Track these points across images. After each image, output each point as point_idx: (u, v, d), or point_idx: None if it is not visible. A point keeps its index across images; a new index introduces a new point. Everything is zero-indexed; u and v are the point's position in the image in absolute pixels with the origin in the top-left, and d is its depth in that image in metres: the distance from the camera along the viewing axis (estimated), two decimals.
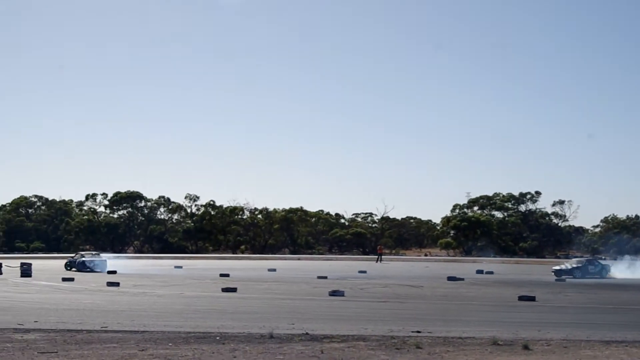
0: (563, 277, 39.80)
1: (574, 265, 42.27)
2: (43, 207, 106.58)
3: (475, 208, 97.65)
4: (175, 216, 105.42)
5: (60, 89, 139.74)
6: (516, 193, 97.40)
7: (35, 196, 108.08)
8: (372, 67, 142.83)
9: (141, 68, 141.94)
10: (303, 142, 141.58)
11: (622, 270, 43.69)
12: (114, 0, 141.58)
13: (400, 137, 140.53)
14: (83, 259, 45.84)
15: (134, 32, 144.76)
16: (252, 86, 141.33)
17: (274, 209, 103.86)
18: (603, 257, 53.42)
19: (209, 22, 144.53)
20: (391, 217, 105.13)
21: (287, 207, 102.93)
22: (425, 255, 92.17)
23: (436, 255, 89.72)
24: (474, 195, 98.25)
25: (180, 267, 51.11)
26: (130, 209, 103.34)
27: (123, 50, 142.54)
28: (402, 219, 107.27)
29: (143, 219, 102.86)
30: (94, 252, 50.94)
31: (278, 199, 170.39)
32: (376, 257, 70.02)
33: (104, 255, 49.41)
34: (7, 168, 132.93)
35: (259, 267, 51.53)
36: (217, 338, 14.03)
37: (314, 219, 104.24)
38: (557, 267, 42.87)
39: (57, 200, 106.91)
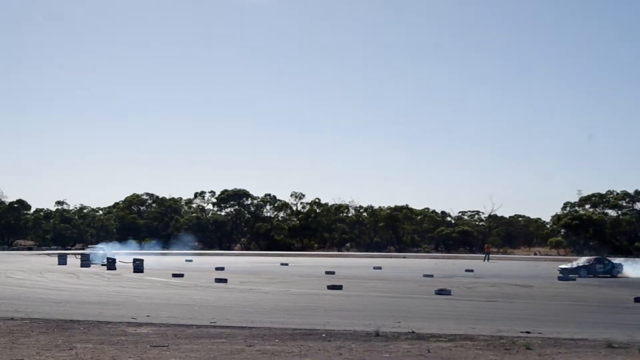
0: (569, 275, 38.12)
1: (581, 264, 40.57)
2: (154, 205, 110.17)
3: (587, 206, 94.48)
4: (281, 214, 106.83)
5: (169, 89, 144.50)
6: (631, 191, 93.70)
7: (147, 194, 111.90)
8: (483, 60, 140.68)
9: (243, 67, 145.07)
10: (409, 140, 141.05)
11: (636, 269, 41.82)
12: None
13: (508, 134, 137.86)
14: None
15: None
16: (353, 88, 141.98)
17: (379, 207, 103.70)
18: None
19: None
20: (499, 215, 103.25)
21: (392, 205, 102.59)
22: (535, 254, 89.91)
23: (545, 255, 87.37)
24: (585, 193, 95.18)
25: (286, 264, 51.75)
26: (237, 207, 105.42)
27: (226, 51, 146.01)
28: (510, 217, 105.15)
29: (249, 216, 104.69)
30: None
31: (383, 197, 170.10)
32: (483, 255, 68.85)
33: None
34: (122, 167, 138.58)
35: (365, 265, 51.54)
36: (323, 335, 14.11)
37: (419, 217, 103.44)
38: (563, 266, 41.07)
39: (167, 198, 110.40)
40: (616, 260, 42.86)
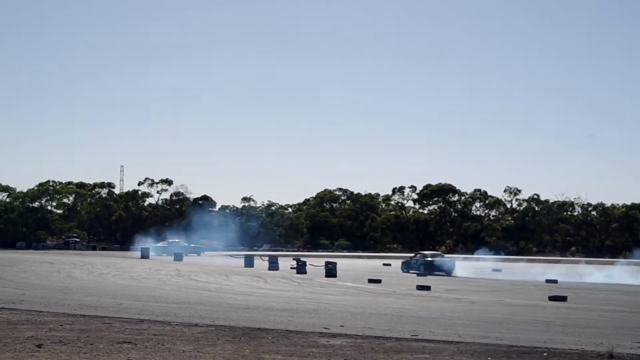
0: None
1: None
2: (348, 202, 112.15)
3: None
4: (493, 212, 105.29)
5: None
6: None
7: (340, 189, 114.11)
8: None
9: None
10: None
11: None
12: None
13: None
14: (428, 259, 46.70)
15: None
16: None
17: (612, 205, 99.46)
18: None
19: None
20: None
21: (628, 203, 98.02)
22: None
23: None
24: None
25: (499, 270, 50.94)
26: (441, 204, 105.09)
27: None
28: None
29: (456, 215, 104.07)
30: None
31: (616, 194, 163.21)
32: None
33: (447, 256, 50.96)
34: (311, 159, 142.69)
35: (591, 272, 49.69)
36: (545, 354, 13.72)
37: None
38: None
39: (363, 194, 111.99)
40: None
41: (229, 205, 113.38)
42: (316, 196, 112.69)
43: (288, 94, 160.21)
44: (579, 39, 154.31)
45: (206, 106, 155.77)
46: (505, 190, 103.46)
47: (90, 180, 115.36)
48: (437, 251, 58.18)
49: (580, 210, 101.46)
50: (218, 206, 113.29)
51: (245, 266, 49.13)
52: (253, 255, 55.13)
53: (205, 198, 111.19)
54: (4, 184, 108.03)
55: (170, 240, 71.67)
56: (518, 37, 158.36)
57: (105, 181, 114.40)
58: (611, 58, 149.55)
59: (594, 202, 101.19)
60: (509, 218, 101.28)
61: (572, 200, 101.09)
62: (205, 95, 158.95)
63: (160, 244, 70.06)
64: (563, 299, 27.18)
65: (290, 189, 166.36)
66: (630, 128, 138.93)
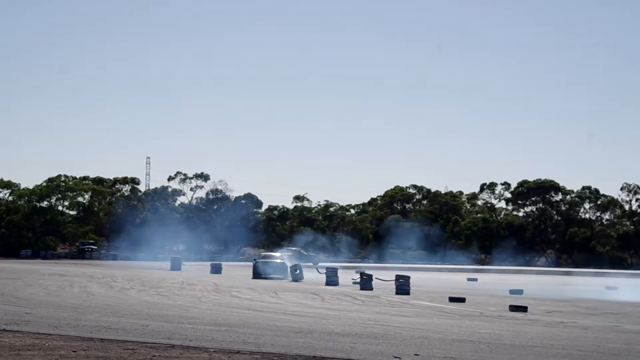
0: None
1: None
2: (424, 202, 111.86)
3: None
4: (607, 215, 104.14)
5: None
6: None
7: (414, 186, 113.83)
8: None
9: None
10: None
11: None
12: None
13: None
14: None
15: None
16: None
17: None
18: None
19: None
20: None
21: None
22: None
23: None
24: None
25: (615, 287, 50.38)
26: (541, 204, 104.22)
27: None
28: None
29: (559, 218, 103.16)
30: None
31: None
32: None
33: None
34: (383, 153, 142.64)
35: None
36: None
37: None
38: None
39: (443, 192, 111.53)
40: None
41: (277, 206, 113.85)
42: (384, 195, 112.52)
43: (347, 81, 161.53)
44: None
45: (248, 93, 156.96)
46: (622, 189, 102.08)
47: (109, 175, 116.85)
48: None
49: None
50: (265, 207, 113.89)
51: (294, 280, 49.38)
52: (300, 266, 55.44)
53: (249, 197, 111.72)
54: (5, 179, 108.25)
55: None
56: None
57: (129, 176, 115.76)
58: None
59: None
60: (628, 223, 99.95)
61: None
62: (247, 82, 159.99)
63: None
64: None
65: (353, 187, 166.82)
66: None
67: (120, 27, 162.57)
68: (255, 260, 56.53)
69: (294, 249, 71.40)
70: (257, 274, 53.10)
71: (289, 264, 54.80)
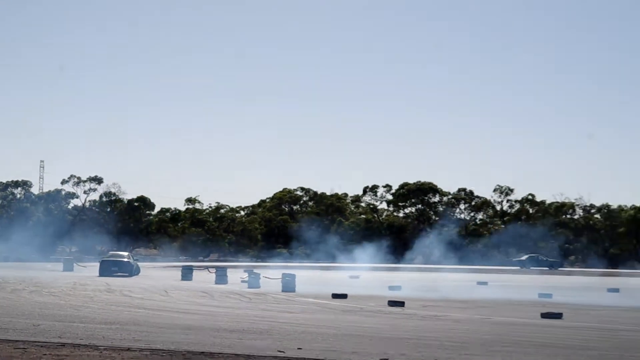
0: None
1: None
2: (311, 203, 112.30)
3: None
4: (480, 215, 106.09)
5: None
6: None
7: (302, 189, 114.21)
8: None
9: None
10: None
11: None
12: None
13: None
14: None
15: None
16: None
17: (619, 207, 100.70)
18: None
19: None
20: None
21: (637, 204, 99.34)
22: None
23: None
24: None
25: (485, 282, 51.50)
26: (420, 206, 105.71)
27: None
28: None
29: (437, 218, 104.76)
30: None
31: (621, 194, 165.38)
32: None
33: None
34: (270, 157, 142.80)
35: (593, 286, 50.40)
36: None
37: None
38: None
39: (329, 194, 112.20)
40: None
41: (169, 208, 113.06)
42: (273, 197, 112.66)
43: (244, 81, 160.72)
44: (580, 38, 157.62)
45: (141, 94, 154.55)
46: (495, 190, 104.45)
47: (1, 178, 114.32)
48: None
49: (581, 213, 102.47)
50: (157, 209, 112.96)
51: (183, 279, 49.17)
52: (192, 267, 55.27)
53: (141, 199, 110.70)
54: None
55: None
56: (517, 36, 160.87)
57: (21, 179, 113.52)
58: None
59: (597, 204, 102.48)
60: (499, 221, 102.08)
61: (573, 201, 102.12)
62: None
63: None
64: (558, 315, 27.53)
65: (243, 190, 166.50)
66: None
67: None
68: (103, 258, 57.89)
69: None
70: (104, 271, 53.39)
71: (134, 263, 56.06)
